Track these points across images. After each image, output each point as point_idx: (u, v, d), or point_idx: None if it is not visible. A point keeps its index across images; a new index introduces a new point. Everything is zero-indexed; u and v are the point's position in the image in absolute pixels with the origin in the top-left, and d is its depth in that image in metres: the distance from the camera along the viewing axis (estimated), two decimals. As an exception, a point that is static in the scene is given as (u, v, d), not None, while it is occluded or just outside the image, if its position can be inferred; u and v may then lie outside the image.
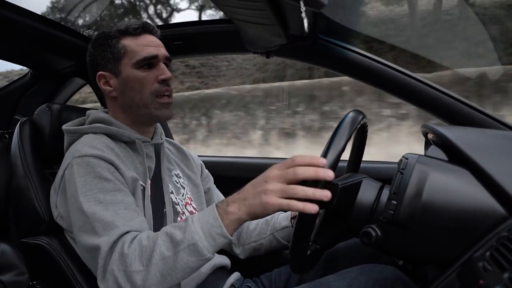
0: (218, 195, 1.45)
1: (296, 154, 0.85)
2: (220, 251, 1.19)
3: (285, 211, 1.00)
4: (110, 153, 1.07)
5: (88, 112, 1.22)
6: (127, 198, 1.02)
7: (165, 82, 1.16)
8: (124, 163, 1.09)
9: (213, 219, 0.88)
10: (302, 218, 0.86)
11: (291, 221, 1.28)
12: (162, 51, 1.19)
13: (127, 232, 0.95)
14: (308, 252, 0.93)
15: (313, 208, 0.79)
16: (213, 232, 0.87)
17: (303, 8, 0.82)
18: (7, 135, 1.67)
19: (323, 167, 0.81)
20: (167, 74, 1.17)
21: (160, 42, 1.21)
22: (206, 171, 1.46)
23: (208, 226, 0.87)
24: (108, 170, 1.03)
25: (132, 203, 1.03)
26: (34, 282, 1.16)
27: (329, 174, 0.80)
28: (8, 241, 1.54)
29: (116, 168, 1.06)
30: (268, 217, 1.33)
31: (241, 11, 1.11)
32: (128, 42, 1.16)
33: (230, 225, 0.87)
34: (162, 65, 1.18)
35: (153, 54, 1.16)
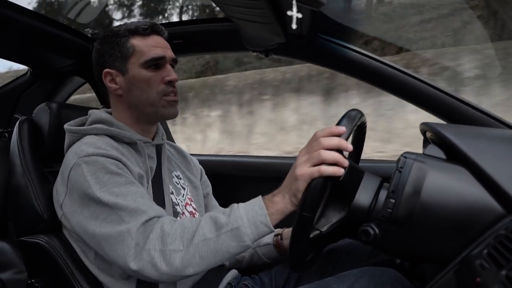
0: (214, 204, 1.46)
1: (317, 130, 0.91)
2: None
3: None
4: (115, 152, 1.07)
5: (90, 111, 1.22)
6: (140, 189, 1.04)
7: (171, 83, 1.18)
8: (130, 160, 1.10)
9: (259, 207, 0.92)
10: (300, 219, 0.86)
11: (273, 239, 1.29)
12: (169, 53, 1.20)
13: (156, 217, 0.97)
14: (311, 236, 0.93)
15: (339, 171, 0.87)
16: (257, 220, 0.91)
17: (294, 9, 0.83)
18: (6, 134, 1.67)
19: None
20: (173, 76, 1.18)
21: (167, 44, 1.22)
22: (205, 177, 1.47)
23: (253, 214, 0.91)
24: (117, 166, 1.04)
25: (146, 193, 1.04)
26: (33, 281, 1.16)
27: (350, 146, 0.89)
28: (7, 239, 1.55)
29: (124, 164, 1.07)
30: None
31: (240, 10, 1.11)
32: (137, 42, 1.17)
33: (274, 215, 0.92)
34: (169, 67, 1.19)
35: (160, 55, 1.17)
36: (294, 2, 0.82)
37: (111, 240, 0.96)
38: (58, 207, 1.11)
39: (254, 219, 0.91)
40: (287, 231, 1.29)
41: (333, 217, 0.97)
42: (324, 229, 0.96)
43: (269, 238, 1.30)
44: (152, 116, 1.19)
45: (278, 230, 1.31)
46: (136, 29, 1.18)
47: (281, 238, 1.28)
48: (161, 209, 1.04)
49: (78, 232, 1.06)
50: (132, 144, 1.17)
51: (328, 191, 0.99)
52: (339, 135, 0.89)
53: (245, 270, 1.32)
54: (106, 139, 1.12)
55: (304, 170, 0.88)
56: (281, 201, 0.92)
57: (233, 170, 1.88)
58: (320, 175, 0.86)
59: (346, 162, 0.88)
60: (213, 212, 0.97)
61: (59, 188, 1.10)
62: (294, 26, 0.91)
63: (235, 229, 0.90)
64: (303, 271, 1.17)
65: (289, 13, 0.91)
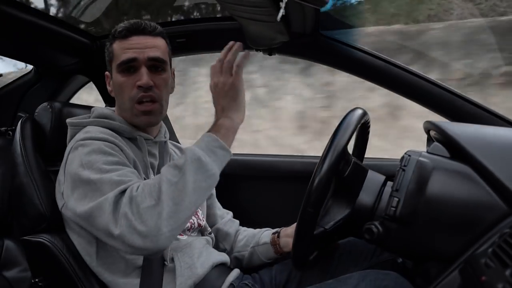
0: (218, 205, 1.45)
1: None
2: (219, 250, 1.21)
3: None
4: (112, 138, 1.07)
5: (93, 108, 1.22)
6: (132, 169, 1.03)
7: (142, 88, 1.11)
8: (125, 151, 1.09)
9: (207, 136, 0.97)
10: (304, 215, 0.86)
11: (270, 237, 1.30)
12: (146, 53, 1.11)
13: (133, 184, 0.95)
14: (315, 233, 0.93)
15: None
16: (211, 146, 0.94)
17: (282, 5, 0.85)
18: (10, 132, 1.67)
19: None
20: (143, 80, 1.10)
21: (148, 43, 1.13)
22: None
23: (205, 143, 0.95)
24: (112, 148, 1.04)
25: (137, 174, 1.03)
26: (36, 280, 1.17)
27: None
28: (12, 237, 1.55)
29: (120, 148, 1.07)
30: (256, 231, 1.38)
31: (244, 9, 1.11)
32: (115, 45, 1.15)
33: (225, 136, 0.98)
34: (142, 70, 1.11)
35: (130, 57, 1.11)
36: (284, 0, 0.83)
37: (94, 213, 0.93)
38: (60, 198, 1.11)
39: (208, 146, 0.94)
40: (285, 230, 1.29)
41: (337, 214, 0.97)
42: (328, 226, 0.96)
43: (267, 238, 1.31)
44: (130, 122, 1.16)
45: (276, 229, 1.33)
46: (114, 32, 1.16)
47: (278, 236, 1.29)
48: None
49: (74, 220, 1.06)
50: (132, 140, 1.17)
51: (332, 188, 0.99)
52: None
53: (246, 268, 1.32)
54: (107, 130, 1.12)
55: (218, 79, 1.02)
56: (225, 120, 0.99)
57: (236, 169, 1.88)
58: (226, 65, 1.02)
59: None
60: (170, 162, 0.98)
61: (61, 178, 1.10)
62: (278, 18, 0.93)
63: (195, 160, 0.90)
64: (306, 269, 1.17)
65: (280, 4, 0.92)
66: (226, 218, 1.42)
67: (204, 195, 0.94)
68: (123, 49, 1.13)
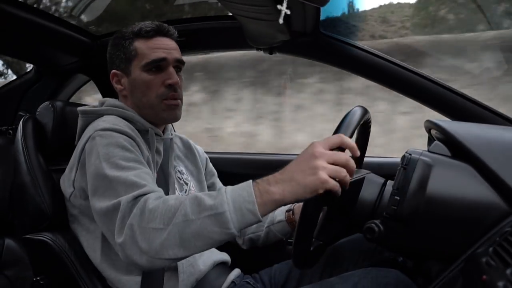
0: (219, 186, 1.45)
1: (341, 134, 0.84)
2: (221, 247, 1.20)
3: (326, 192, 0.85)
4: (131, 132, 1.08)
5: (102, 100, 1.22)
6: (147, 169, 1.02)
7: (171, 87, 1.16)
8: (139, 144, 1.10)
9: (247, 194, 0.83)
10: (305, 214, 0.86)
11: (285, 215, 1.28)
12: (173, 54, 1.18)
13: (151, 192, 0.93)
14: (311, 248, 0.93)
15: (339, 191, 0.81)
16: (244, 207, 0.82)
17: (284, 5, 0.83)
18: (11, 131, 1.67)
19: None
20: (174, 79, 1.16)
21: (174, 45, 1.20)
22: (211, 165, 1.47)
23: (241, 200, 0.82)
24: (130, 143, 1.04)
25: (151, 174, 1.02)
26: (38, 278, 1.17)
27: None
28: (13, 236, 1.55)
29: (136, 143, 1.07)
30: None
31: (244, 7, 1.11)
32: (139, 44, 1.17)
33: (266, 205, 0.82)
34: (171, 69, 1.17)
35: (161, 57, 1.15)
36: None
37: (108, 214, 0.93)
38: (69, 185, 1.10)
39: (241, 206, 0.82)
40: (298, 206, 1.27)
41: (334, 229, 0.99)
42: (326, 240, 0.98)
43: (281, 216, 1.29)
44: (152, 118, 1.19)
45: (289, 206, 1.30)
46: (139, 31, 1.17)
47: (293, 213, 1.27)
48: (161, 189, 0.98)
49: (84, 210, 1.07)
50: (143, 133, 1.17)
51: (326, 210, 1.00)
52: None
53: (247, 269, 1.32)
54: (124, 121, 1.12)
55: (326, 177, 0.79)
56: (280, 193, 0.81)
57: (239, 168, 1.88)
58: (333, 190, 0.80)
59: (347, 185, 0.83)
60: (201, 193, 0.91)
61: (72, 166, 1.10)
62: (281, 20, 0.91)
63: (220, 214, 0.81)
64: (307, 268, 1.17)
65: (278, 6, 0.91)
66: None
67: (212, 245, 0.86)
68: (151, 49, 1.16)
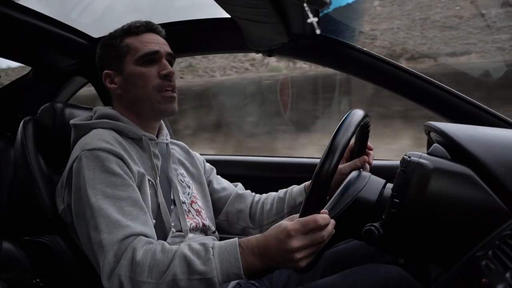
0: (218, 180, 1.44)
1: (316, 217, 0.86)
2: (237, 232, 1.27)
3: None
4: (118, 147, 1.08)
5: (95, 108, 1.23)
6: (135, 194, 1.03)
7: (167, 77, 1.18)
8: (132, 157, 1.10)
9: (234, 259, 0.90)
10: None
11: (305, 192, 1.27)
12: (164, 48, 1.21)
13: (133, 235, 0.95)
14: None
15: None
16: (231, 272, 0.90)
17: (310, 15, 0.83)
18: (9, 134, 1.67)
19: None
20: (169, 69, 1.18)
21: (163, 41, 1.23)
22: (208, 165, 1.47)
23: (228, 265, 0.89)
24: (117, 164, 1.04)
25: (139, 200, 1.04)
26: (38, 280, 1.17)
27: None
28: (11, 239, 1.54)
29: (125, 162, 1.06)
30: (281, 193, 1.34)
31: (243, 10, 1.11)
32: (130, 41, 1.19)
33: (248, 270, 0.90)
34: (164, 61, 1.19)
35: (154, 50, 1.18)
36: (306, 8, 0.82)
37: (92, 245, 0.97)
38: (60, 201, 1.13)
39: (227, 271, 0.89)
40: None
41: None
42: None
43: (301, 197, 1.27)
44: (150, 112, 1.20)
45: (306, 183, 1.30)
46: (129, 29, 1.20)
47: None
48: (147, 221, 1.02)
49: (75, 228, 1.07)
50: (137, 140, 1.17)
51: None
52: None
53: None
54: (112, 133, 1.12)
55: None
56: (258, 264, 0.90)
57: (236, 169, 1.88)
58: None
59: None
60: (187, 249, 0.93)
61: (62, 182, 1.12)
62: (318, 31, 0.92)
63: (208, 279, 0.89)
64: (306, 272, 1.16)
65: (309, 21, 0.92)
66: (231, 196, 1.40)
67: None
68: (143, 43, 1.19)
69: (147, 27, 1.22)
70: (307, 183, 1.28)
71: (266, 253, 0.89)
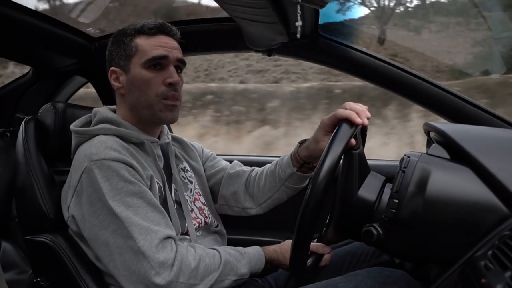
0: (214, 165, 1.41)
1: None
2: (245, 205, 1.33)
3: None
4: (126, 153, 1.06)
5: (94, 110, 1.20)
6: (152, 199, 1.04)
7: (172, 86, 1.14)
8: (140, 162, 1.09)
9: (260, 263, 1.13)
10: (301, 225, 0.85)
11: (292, 163, 1.21)
12: (174, 53, 1.16)
13: (165, 238, 0.99)
14: (309, 261, 0.93)
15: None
16: (257, 268, 1.12)
17: (298, 18, 0.83)
18: (8, 133, 1.67)
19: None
20: (175, 78, 1.14)
21: (175, 44, 1.18)
22: (206, 150, 1.45)
23: (256, 268, 1.12)
24: (129, 172, 1.03)
25: (157, 204, 1.05)
26: (38, 279, 1.16)
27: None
28: (10, 239, 1.55)
29: (135, 169, 1.05)
30: (273, 165, 1.29)
31: (243, 9, 1.11)
32: (141, 41, 1.15)
33: (268, 264, 1.15)
34: (172, 68, 1.15)
35: (162, 54, 1.13)
36: (298, 13, 0.82)
37: (126, 256, 0.97)
38: (65, 209, 1.11)
39: (254, 268, 1.11)
40: (303, 148, 1.20)
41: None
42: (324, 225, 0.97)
43: (289, 168, 1.22)
44: (149, 118, 1.16)
45: (292, 151, 1.24)
46: (141, 28, 1.15)
47: (298, 155, 1.21)
48: (168, 222, 1.05)
49: (86, 237, 1.06)
50: (139, 144, 1.16)
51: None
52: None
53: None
54: (115, 139, 1.10)
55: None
56: (280, 259, 1.15)
57: None
58: None
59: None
60: (232, 256, 1.09)
61: (68, 190, 1.09)
62: (298, 35, 0.92)
63: (243, 276, 1.08)
64: (304, 275, 1.17)
65: (297, 23, 0.91)
66: (223, 179, 1.37)
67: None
68: (153, 45, 1.14)
69: (160, 28, 1.16)
70: (294, 150, 1.23)
71: (282, 255, 1.15)
